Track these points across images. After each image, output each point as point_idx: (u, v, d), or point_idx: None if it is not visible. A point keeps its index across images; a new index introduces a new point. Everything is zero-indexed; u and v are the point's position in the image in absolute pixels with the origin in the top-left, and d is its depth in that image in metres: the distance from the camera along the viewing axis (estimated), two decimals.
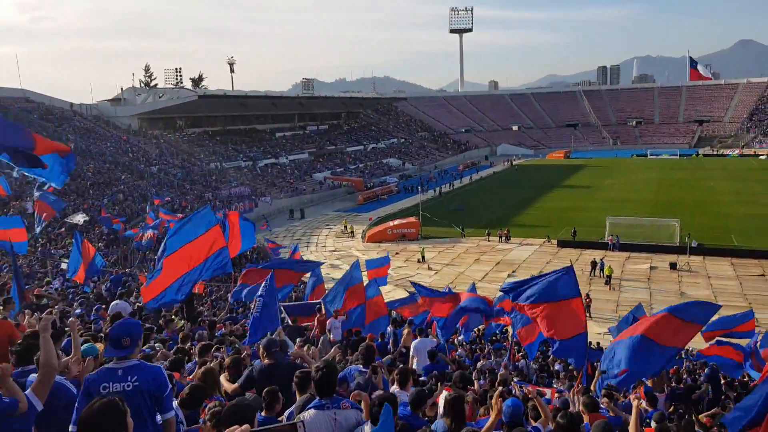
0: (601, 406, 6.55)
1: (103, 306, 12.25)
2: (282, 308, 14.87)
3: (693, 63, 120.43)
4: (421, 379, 7.78)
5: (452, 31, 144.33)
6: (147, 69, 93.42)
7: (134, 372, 4.00)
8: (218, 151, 66.81)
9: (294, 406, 4.55)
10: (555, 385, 10.95)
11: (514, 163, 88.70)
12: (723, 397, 10.02)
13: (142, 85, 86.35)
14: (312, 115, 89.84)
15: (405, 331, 11.29)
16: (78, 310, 11.98)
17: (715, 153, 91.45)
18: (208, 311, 16.26)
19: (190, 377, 6.16)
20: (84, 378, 4.17)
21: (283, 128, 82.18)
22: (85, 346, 5.52)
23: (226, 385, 5.77)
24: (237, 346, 8.58)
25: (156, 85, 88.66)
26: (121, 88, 70.06)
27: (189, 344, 8.36)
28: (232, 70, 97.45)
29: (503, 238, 40.91)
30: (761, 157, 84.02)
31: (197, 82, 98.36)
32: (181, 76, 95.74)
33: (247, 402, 4.35)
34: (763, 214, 44.67)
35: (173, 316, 11.96)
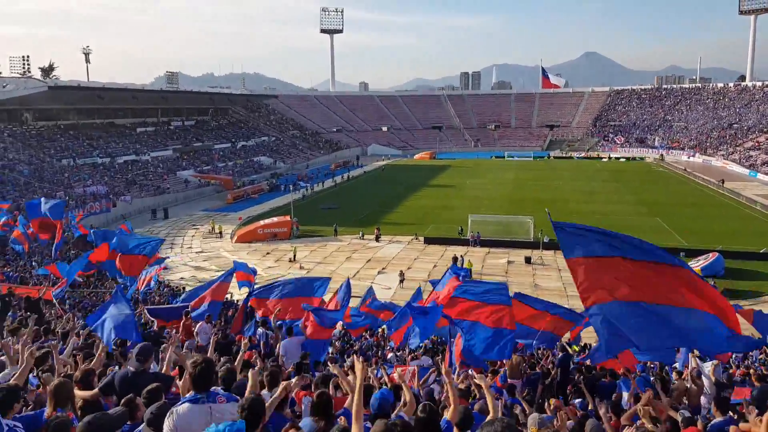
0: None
1: None
2: (146, 311, 14.13)
3: (545, 72, 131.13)
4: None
5: (323, 31, 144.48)
6: None
7: None
8: (71, 146, 61.30)
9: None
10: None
11: (370, 166, 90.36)
12: (571, 379, 11.00)
13: None
14: (177, 110, 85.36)
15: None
16: None
17: (563, 155, 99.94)
18: (58, 320, 14.89)
19: (38, 390, 5.69)
20: None
21: (144, 123, 77.25)
22: None
23: (82, 394, 5.38)
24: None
25: None
26: None
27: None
28: (87, 60, 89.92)
29: (377, 237, 41.64)
30: (603, 159, 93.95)
31: (48, 71, 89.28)
32: (28, 64, 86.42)
33: (108, 416, 4.11)
34: (605, 211, 49.93)
35: (19, 326, 10.83)
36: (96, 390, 5.29)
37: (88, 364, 6.85)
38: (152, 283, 15.87)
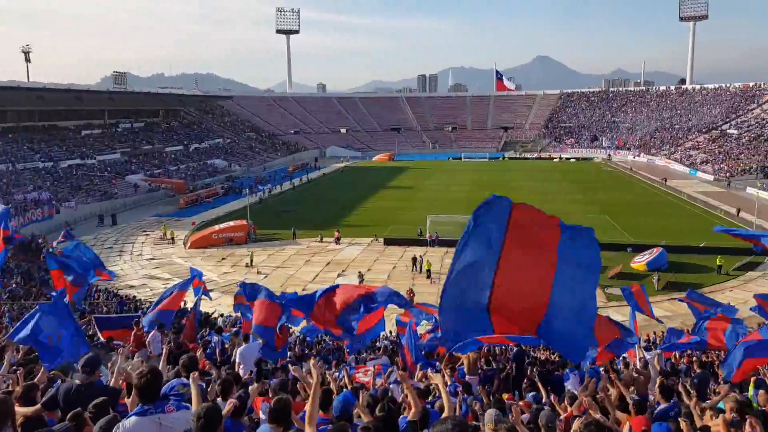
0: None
1: None
2: (94, 321, 13.58)
3: (499, 75, 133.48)
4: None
5: (279, 31, 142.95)
6: None
7: None
8: (10, 150, 58.59)
9: None
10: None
11: (329, 168, 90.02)
12: (525, 373, 11.11)
13: None
14: (125, 111, 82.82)
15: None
16: None
17: (517, 156, 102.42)
18: None
19: None
20: None
21: (90, 125, 74.53)
22: None
23: (24, 410, 5.04)
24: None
25: None
26: None
27: None
28: (27, 59, 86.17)
29: (338, 240, 41.25)
30: (555, 160, 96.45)
31: None
32: None
33: None
34: (557, 210, 50.25)
35: None
36: (38, 405, 4.98)
37: (30, 378, 6.47)
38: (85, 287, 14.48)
